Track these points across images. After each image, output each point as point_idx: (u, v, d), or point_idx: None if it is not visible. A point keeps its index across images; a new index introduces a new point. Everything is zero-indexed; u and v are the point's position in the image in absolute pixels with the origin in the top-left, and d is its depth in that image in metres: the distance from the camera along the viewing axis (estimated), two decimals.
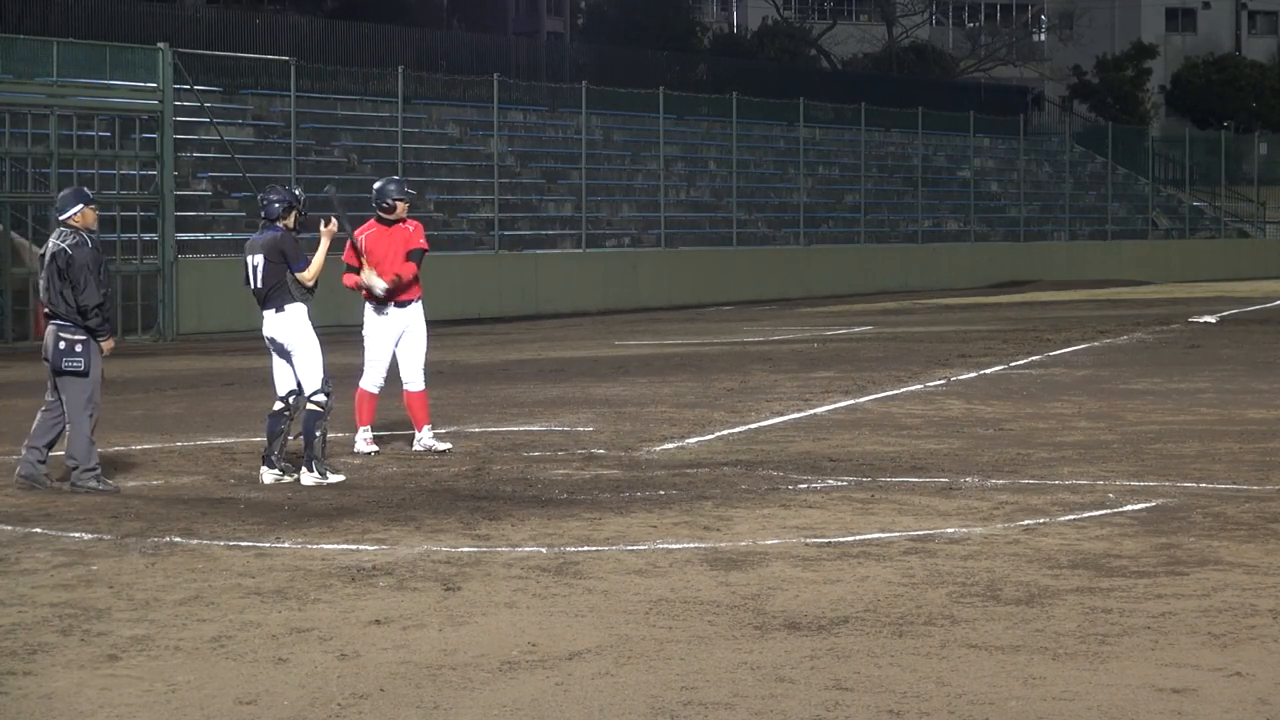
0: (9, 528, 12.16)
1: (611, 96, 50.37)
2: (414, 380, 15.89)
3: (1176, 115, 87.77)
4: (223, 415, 19.29)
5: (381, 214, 15.85)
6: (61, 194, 14.51)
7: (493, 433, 17.41)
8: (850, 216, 55.23)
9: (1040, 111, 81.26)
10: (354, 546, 11.40)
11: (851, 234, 54.51)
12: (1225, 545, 11.10)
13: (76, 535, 11.89)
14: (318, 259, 14.48)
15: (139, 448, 14.49)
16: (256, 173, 38.80)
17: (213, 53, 42.07)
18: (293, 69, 39.44)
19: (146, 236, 33.77)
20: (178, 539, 11.70)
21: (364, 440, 15.77)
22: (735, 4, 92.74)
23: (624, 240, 47.43)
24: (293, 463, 14.25)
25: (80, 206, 14.10)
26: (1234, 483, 13.71)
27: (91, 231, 14.16)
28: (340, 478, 14.19)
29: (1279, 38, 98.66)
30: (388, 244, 15.76)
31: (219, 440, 16.69)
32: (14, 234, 32.20)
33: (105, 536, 11.81)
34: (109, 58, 34.40)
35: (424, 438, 15.87)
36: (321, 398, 14.25)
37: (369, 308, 15.86)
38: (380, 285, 15.61)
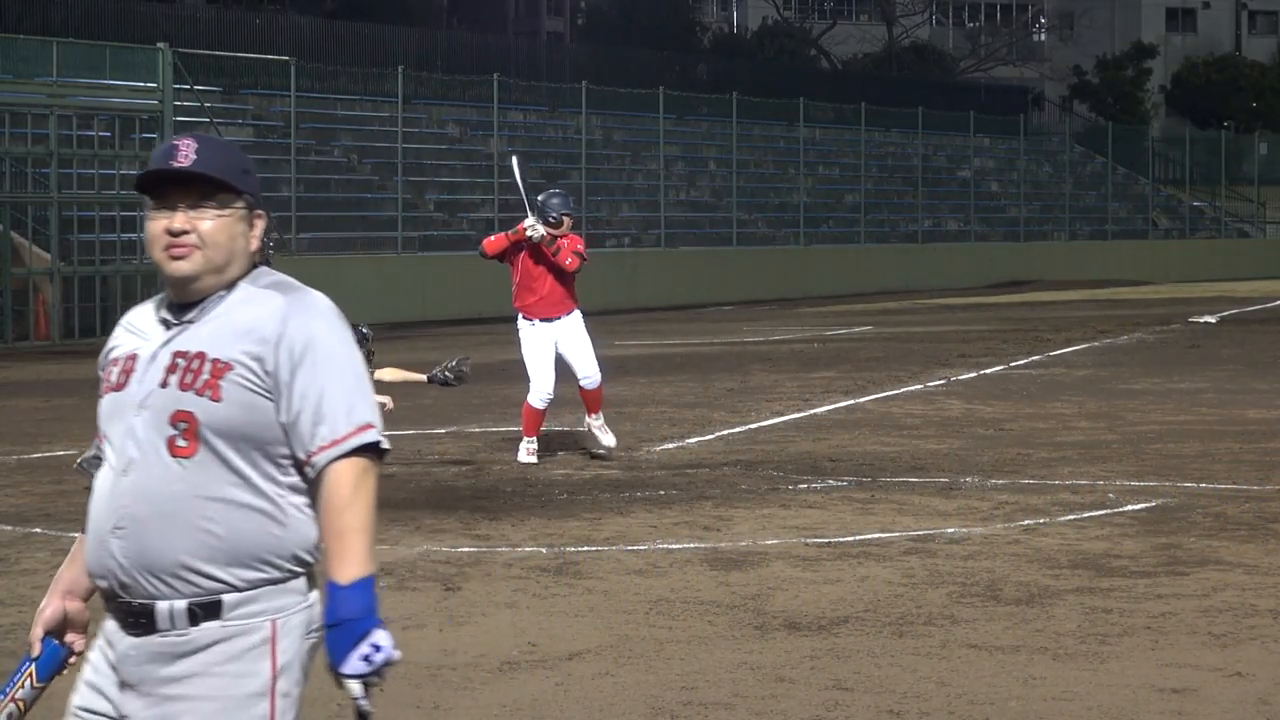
0: (9, 528, 12.16)
1: (611, 96, 50.33)
2: (590, 378, 15.44)
3: (1176, 115, 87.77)
4: None
5: (546, 227, 15.37)
6: None
7: (492, 432, 17.42)
8: (850, 216, 55.23)
9: (1040, 111, 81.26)
10: None
11: (851, 234, 54.50)
12: (1225, 545, 11.10)
13: (76, 535, 11.85)
14: (395, 371, 14.39)
15: None
16: (256, 173, 38.76)
17: (212, 53, 42.02)
18: (292, 69, 39.43)
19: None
20: None
21: (526, 451, 15.29)
22: (735, 4, 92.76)
23: (624, 240, 47.44)
24: None
25: None
26: (1234, 483, 13.71)
27: None
28: None
29: (1279, 38, 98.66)
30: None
31: None
32: (14, 234, 32.17)
33: None
34: (109, 57, 34.38)
35: (593, 422, 15.49)
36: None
37: (521, 323, 15.43)
38: (540, 231, 15.12)
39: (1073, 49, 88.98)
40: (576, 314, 15.53)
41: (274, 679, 4.02)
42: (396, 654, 3.95)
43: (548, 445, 15.76)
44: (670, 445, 16.37)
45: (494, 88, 44.48)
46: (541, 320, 15.37)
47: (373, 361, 14.84)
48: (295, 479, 4.08)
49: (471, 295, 38.61)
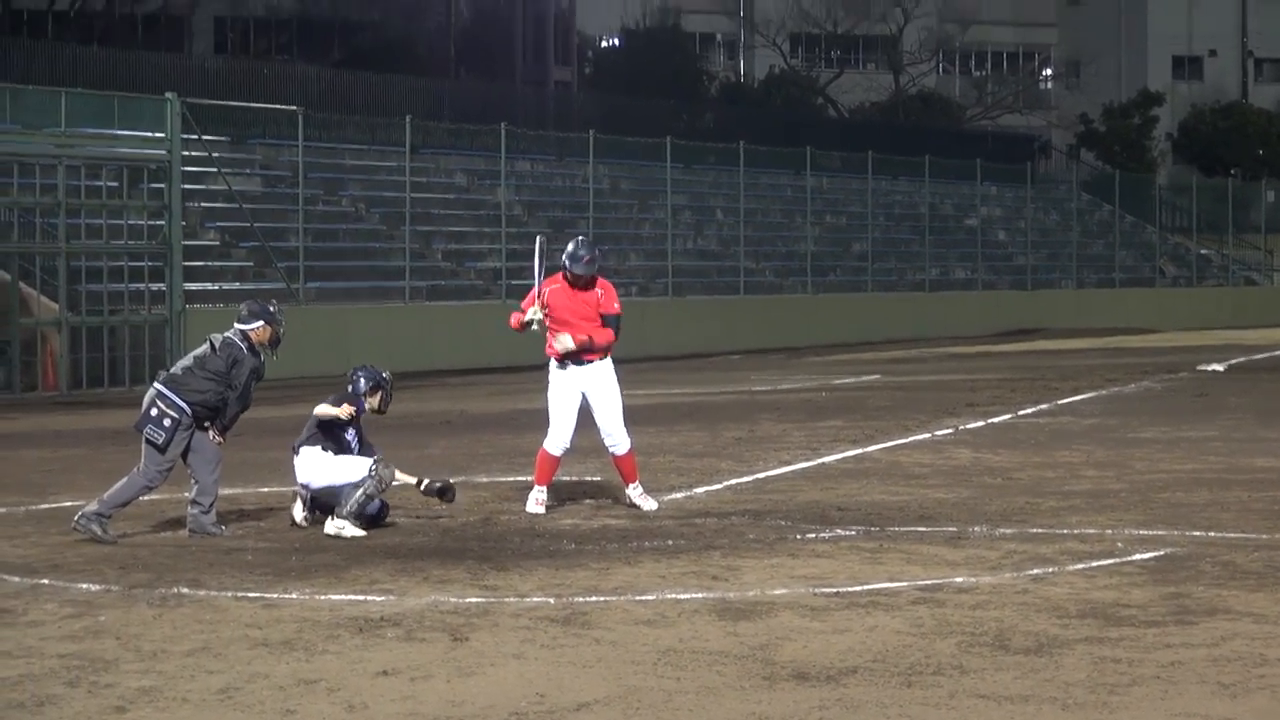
0: (16, 579, 12.15)
1: (619, 145, 50.45)
2: (617, 443, 15.29)
3: (1183, 163, 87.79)
4: (229, 465, 19.24)
5: (574, 273, 15.17)
6: (249, 304, 14.73)
7: (501, 482, 17.40)
8: (858, 265, 55.28)
9: (1047, 159, 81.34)
10: (361, 597, 11.39)
11: (859, 282, 54.56)
12: (1234, 594, 11.08)
13: (84, 586, 11.87)
14: (333, 410, 14.40)
15: (146, 499, 14.48)
16: (264, 222, 38.90)
17: (220, 102, 42.20)
18: (300, 118, 39.51)
19: (154, 286, 33.80)
20: (185, 590, 11.69)
21: (535, 501, 15.17)
22: (742, 53, 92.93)
23: (631, 289, 47.42)
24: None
25: (261, 323, 14.39)
26: (1243, 531, 13.69)
27: (264, 347, 14.45)
28: (358, 533, 14.03)
29: None
30: (573, 303, 15.13)
31: (226, 491, 16.65)
32: (22, 284, 32.21)
33: (113, 587, 11.79)
34: (117, 108, 34.50)
35: (631, 493, 15.39)
36: (373, 486, 14.19)
37: (552, 366, 15.31)
38: (567, 344, 15.00)
39: (1079, 97, 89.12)
40: (609, 361, 15.47)
41: None
42: None
43: (555, 494, 15.75)
44: (678, 495, 16.35)
45: (501, 137, 44.63)
46: (574, 364, 15.31)
47: (388, 407, 14.90)
48: None
49: (479, 345, 38.64)
